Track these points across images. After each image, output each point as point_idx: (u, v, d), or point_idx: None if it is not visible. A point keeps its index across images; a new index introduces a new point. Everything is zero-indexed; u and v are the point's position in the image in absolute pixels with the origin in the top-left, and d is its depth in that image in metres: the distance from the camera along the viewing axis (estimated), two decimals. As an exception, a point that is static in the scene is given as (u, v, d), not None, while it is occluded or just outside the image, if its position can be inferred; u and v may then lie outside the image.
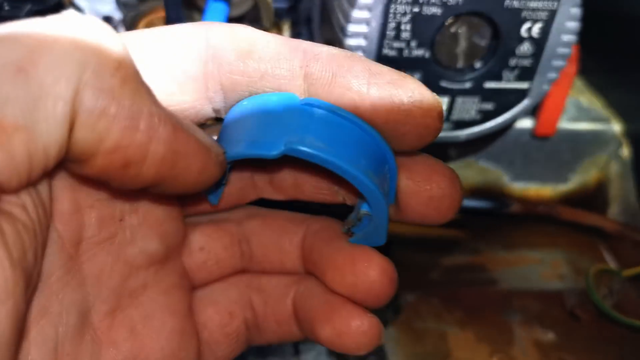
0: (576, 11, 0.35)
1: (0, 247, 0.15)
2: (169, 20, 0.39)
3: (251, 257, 0.25)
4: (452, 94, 0.37)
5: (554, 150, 0.46)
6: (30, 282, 0.17)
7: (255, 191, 0.24)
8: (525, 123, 0.44)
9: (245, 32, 0.20)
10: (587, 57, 0.45)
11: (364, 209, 0.22)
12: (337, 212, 0.24)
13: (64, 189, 0.19)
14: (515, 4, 0.34)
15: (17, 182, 0.16)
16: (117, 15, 0.46)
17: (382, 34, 0.34)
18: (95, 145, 0.17)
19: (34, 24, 0.16)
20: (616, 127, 0.46)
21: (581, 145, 0.46)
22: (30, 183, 0.16)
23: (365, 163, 0.20)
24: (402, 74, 0.20)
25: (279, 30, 0.45)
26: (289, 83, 0.20)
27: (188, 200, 0.24)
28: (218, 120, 0.23)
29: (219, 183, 0.22)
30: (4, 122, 0.15)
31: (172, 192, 0.20)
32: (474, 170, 0.47)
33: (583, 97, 0.48)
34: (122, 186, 0.18)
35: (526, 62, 0.36)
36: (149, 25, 0.43)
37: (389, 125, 0.20)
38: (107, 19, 0.46)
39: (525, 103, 0.38)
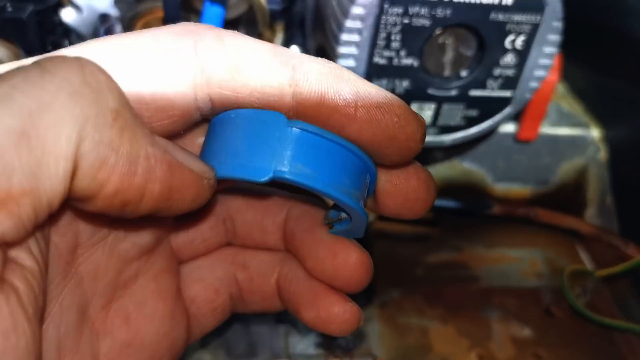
0: (558, 25, 0.36)
1: (18, 309, 0.16)
2: (167, 22, 0.40)
3: (235, 234, 0.26)
4: (439, 100, 0.38)
5: (535, 154, 0.48)
6: (42, 316, 0.18)
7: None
8: (509, 127, 0.46)
9: (234, 44, 0.20)
10: (569, 63, 0.46)
11: (345, 214, 0.23)
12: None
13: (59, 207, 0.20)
14: (500, 17, 0.35)
15: (24, 235, 0.16)
16: (113, 12, 0.47)
17: (373, 43, 0.35)
18: (96, 191, 0.17)
19: (31, 81, 0.16)
20: (595, 132, 0.48)
21: (561, 149, 0.48)
22: (35, 231, 0.17)
23: (348, 182, 0.20)
24: (390, 96, 0.20)
25: (272, 32, 0.46)
26: (278, 101, 0.20)
27: None
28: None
29: None
30: (13, 191, 0.15)
31: (166, 216, 0.20)
32: (459, 171, 0.48)
33: (564, 102, 0.50)
34: (119, 217, 0.19)
35: (509, 72, 0.38)
36: (147, 25, 0.44)
37: (373, 146, 0.20)
38: (104, 17, 0.47)
39: (508, 110, 0.40)
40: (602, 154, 0.48)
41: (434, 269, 0.44)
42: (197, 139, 0.23)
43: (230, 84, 0.20)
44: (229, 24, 0.45)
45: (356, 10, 0.34)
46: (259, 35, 0.45)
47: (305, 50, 0.46)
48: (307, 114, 0.20)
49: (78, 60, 0.17)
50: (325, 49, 0.39)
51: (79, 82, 0.16)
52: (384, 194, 0.23)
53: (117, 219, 0.20)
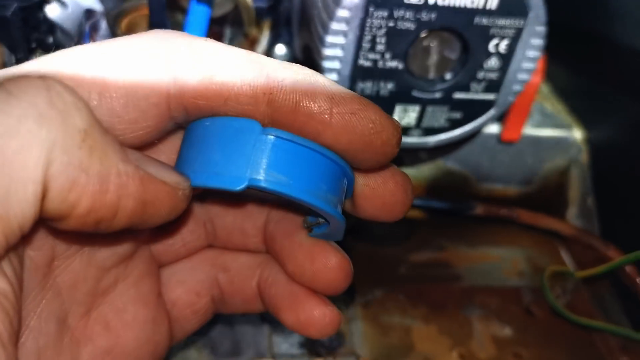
0: (541, 29, 0.37)
1: None
2: (152, 21, 0.40)
3: (216, 237, 0.26)
4: (423, 103, 0.39)
5: (519, 154, 0.48)
6: (18, 335, 0.17)
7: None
8: (492, 129, 0.47)
9: (207, 52, 0.20)
10: (553, 63, 0.47)
11: (323, 219, 0.23)
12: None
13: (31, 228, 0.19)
14: (484, 21, 0.35)
15: None
16: (99, 7, 0.47)
17: (359, 46, 0.35)
18: (68, 211, 0.17)
19: None
20: (577, 134, 0.48)
21: (544, 150, 0.49)
22: (7, 253, 0.17)
23: (325, 188, 0.20)
24: (365, 101, 0.20)
25: (259, 30, 0.46)
26: (253, 109, 0.20)
27: None
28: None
29: None
30: None
31: (142, 229, 0.20)
32: (443, 172, 0.49)
33: (548, 102, 0.51)
34: (94, 233, 0.19)
35: (493, 76, 0.38)
36: (132, 23, 0.44)
37: (349, 152, 0.20)
38: (90, 12, 0.47)
39: (491, 113, 0.40)
40: (584, 156, 0.49)
41: (417, 268, 0.44)
42: (173, 146, 0.23)
43: (204, 93, 0.19)
44: (215, 23, 0.45)
45: (342, 12, 0.34)
46: (245, 35, 0.45)
47: (291, 49, 0.47)
48: (283, 122, 0.20)
49: (44, 81, 0.17)
50: (310, 51, 0.39)
51: (45, 105, 0.16)
52: (361, 198, 0.23)
53: (92, 234, 0.20)
